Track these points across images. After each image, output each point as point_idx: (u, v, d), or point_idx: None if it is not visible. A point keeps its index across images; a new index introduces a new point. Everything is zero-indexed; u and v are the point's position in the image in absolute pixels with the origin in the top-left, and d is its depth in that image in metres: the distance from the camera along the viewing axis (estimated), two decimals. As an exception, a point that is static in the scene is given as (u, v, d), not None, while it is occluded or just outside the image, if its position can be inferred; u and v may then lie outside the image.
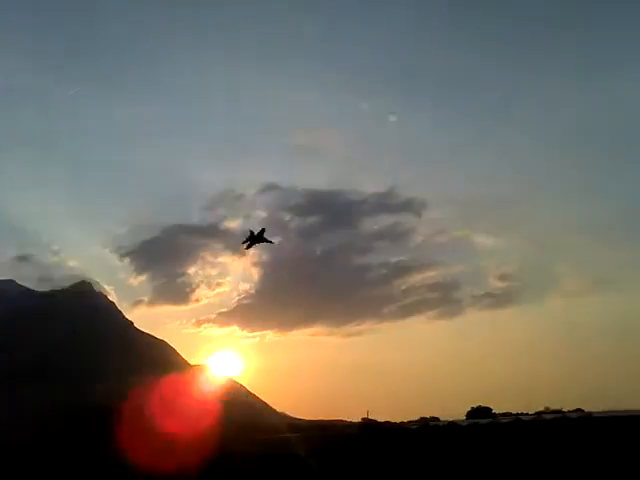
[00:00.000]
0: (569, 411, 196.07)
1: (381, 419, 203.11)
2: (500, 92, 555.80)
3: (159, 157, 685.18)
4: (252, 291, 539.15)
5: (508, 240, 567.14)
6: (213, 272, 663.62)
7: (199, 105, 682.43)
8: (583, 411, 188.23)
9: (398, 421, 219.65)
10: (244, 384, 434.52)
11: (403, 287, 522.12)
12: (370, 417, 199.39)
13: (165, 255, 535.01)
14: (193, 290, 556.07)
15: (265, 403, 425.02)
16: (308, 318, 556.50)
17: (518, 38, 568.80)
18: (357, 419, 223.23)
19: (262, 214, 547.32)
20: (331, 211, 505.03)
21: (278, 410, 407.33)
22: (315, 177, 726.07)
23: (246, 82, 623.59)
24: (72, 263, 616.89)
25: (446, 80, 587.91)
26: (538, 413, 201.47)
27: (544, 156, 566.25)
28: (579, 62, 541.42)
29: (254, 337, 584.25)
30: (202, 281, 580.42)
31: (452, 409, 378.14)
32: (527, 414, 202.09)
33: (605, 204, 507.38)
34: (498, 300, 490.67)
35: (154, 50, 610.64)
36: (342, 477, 33.68)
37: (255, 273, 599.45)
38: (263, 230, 63.57)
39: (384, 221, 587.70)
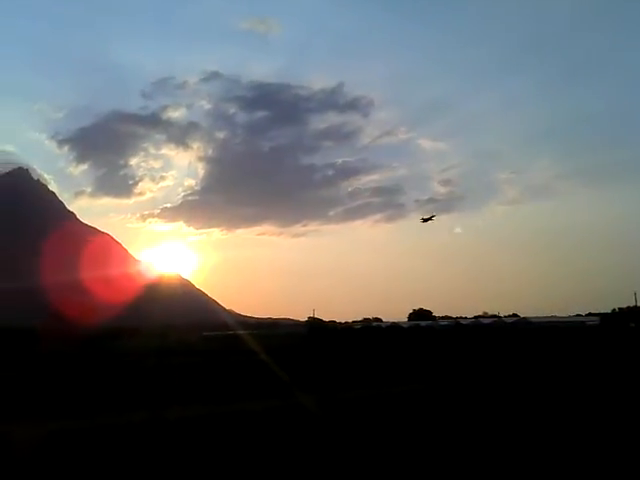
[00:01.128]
0: (505, 316, 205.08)
1: (326, 319, 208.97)
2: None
3: (93, 37, 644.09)
4: (198, 187, 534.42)
5: (452, 145, 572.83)
6: (156, 165, 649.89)
7: None
8: (518, 316, 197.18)
9: (343, 321, 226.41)
10: (192, 281, 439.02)
11: (349, 189, 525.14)
12: (316, 316, 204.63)
13: (105, 144, 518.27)
14: (136, 183, 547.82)
15: (214, 300, 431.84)
16: (255, 217, 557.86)
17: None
18: (303, 318, 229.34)
19: (206, 105, 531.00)
20: (278, 106, 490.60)
21: (226, 307, 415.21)
22: (261, 68, 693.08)
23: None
24: (7, 148, 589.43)
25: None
26: (476, 317, 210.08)
27: (495, 63, 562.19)
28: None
29: (200, 234, 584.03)
30: (145, 174, 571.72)
31: (394, 311, 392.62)
32: (466, 318, 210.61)
33: (547, 114, 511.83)
34: (441, 205, 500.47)
35: None
36: (294, 373, 34.42)
37: (201, 168, 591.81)
38: (433, 216, 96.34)
39: (331, 120, 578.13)
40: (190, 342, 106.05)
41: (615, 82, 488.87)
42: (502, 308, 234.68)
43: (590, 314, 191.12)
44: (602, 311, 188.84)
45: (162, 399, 24.08)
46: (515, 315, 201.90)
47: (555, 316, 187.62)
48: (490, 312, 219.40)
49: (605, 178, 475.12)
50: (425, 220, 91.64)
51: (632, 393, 23.26)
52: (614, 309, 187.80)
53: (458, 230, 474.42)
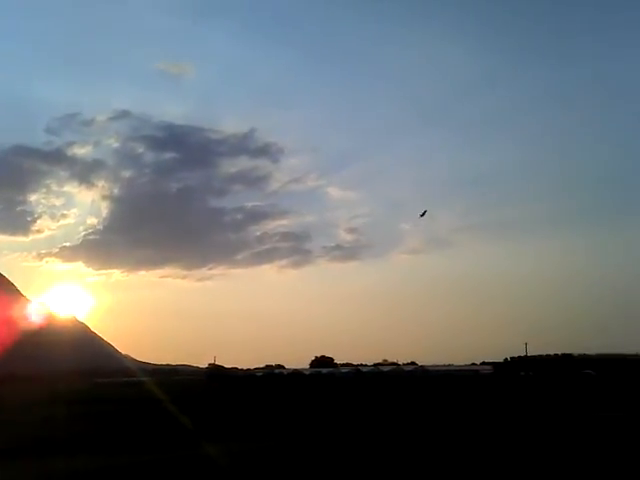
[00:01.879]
0: (404, 364, 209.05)
1: (228, 365, 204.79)
2: (361, 39, 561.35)
3: None
4: (100, 226, 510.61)
5: (360, 195, 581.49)
6: (57, 202, 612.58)
7: (47, 11, 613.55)
8: (416, 364, 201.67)
9: (245, 367, 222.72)
10: (87, 323, 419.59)
11: (257, 233, 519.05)
12: (217, 363, 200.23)
13: (4, 179, 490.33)
14: (35, 220, 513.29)
15: (110, 344, 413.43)
16: (159, 259, 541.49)
17: None
18: (203, 364, 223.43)
19: (114, 143, 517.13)
20: (188, 148, 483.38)
21: (123, 353, 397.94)
22: (173, 109, 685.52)
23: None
24: None
25: (317, 23, 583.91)
26: (376, 364, 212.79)
27: (403, 118, 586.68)
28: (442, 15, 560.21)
29: (100, 275, 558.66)
30: (45, 211, 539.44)
31: (297, 358, 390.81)
32: (366, 365, 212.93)
33: (449, 170, 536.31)
34: (347, 253, 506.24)
35: None
36: (196, 420, 33.25)
37: (104, 207, 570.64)
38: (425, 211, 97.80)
39: (242, 164, 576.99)
40: (79, 390, 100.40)
41: (510, 142, 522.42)
42: (401, 356, 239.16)
43: (484, 363, 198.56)
44: (495, 360, 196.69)
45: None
46: (413, 363, 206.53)
47: (451, 365, 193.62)
48: (390, 360, 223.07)
49: (499, 233, 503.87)
50: (422, 215, 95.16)
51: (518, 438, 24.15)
52: (506, 358, 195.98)
53: (361, 276, 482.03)
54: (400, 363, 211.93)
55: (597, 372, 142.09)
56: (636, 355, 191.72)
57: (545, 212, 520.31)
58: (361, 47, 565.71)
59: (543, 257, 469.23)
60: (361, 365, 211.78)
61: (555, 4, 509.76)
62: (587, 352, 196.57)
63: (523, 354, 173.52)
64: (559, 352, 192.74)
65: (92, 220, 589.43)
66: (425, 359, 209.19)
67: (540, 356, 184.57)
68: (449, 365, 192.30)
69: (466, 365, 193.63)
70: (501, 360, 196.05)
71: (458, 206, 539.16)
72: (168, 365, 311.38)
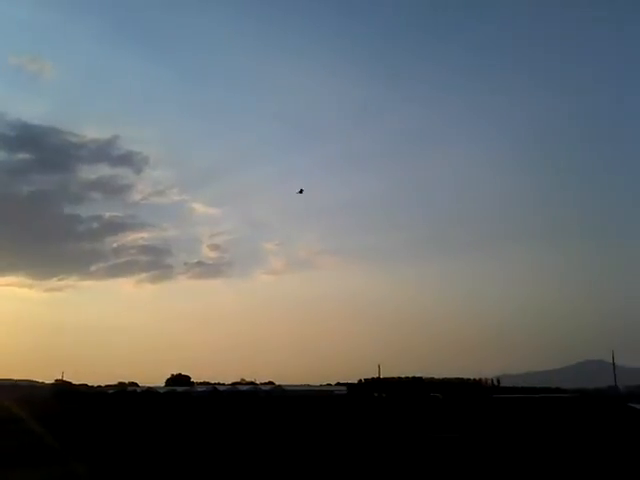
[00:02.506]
0: (262, 383, 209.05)
1: (77, 382, 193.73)
2: (232, 53, 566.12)
3: None
4: None
5: (224, 212, 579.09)
6: None
7: None
8: (274, 384, 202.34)
9: (96, 384, 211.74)
10: None
11: (114, 245, 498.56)
12: (65, 379, 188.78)
13: None
14: None
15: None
16: (4, 266, 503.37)
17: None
18: (50, 380, 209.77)
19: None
20: (44, 150, 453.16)
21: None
22: (29, 108, 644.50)
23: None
24: None
25: (190, 35, 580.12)
26: (234, 384, 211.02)
27: (270, 133, 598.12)
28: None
29: None
30: None
31: (152, 376, 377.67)
32: (224, 384, 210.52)
33: (314, 195, 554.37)
34: (209, 269, 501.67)
35: None
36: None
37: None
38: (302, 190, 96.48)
39: (102, 171, 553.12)
40: None
41: (371, 174, 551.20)
42: (259, 375, 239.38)
43: (338, 384, 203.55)
44: (349, 381, 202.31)
45: None
46: (271, 383, 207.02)
47: (308, 385, 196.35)
48: (247, 379, 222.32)
49: (357, 258, 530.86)
50: (300, 192, 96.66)
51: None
52: (360, 380, 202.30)
53: (222, 295, 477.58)
54: (258, 382, 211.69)
55: (443, 394, 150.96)
56: (475, 379, 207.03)
57: (402, 240, 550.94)
58: (233, 65, 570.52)
59: (398, 282, 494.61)
60: (218, 384, 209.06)
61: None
62: (435, 375, 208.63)
63: (376, 375, 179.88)
64: (410, 375, 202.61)
65: None
66: (283, 379, 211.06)
67: (392, 378, 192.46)
68: (306, 385, 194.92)
69: (322, 385, 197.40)
70: (355, 381, 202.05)
71: (319, 230, 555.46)
72: (9, 379, 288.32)
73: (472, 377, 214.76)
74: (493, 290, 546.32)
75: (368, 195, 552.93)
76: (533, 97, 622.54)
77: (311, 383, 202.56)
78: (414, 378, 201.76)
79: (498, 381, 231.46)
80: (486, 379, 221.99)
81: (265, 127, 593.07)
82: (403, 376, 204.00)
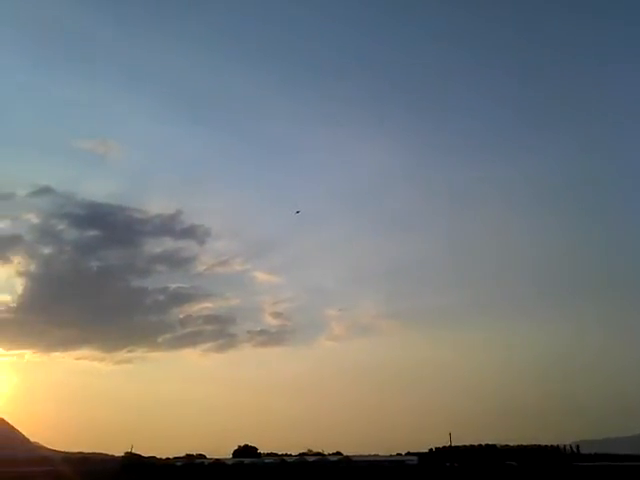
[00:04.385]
0: (329, 454, 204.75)
1: (146, 454, 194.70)
2: (289, 128, 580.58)
3: None
4: (14, 304, 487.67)
5: (285, 280, 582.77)
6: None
7: None
8: (342, 454, 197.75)
9: (164, 457, 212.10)
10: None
11: (180, 316, 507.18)
12: (134, 451, 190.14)
13: None
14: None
15: (18, 431, 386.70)
16: (75, 340, 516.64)
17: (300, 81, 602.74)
18: (119, 453, 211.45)
19: (34, 219, 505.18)
20: (111, 227, 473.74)
21: (32, 440, 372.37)
22: (97, 188, 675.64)
23: (30, 75, 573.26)
24: None
25: (237, 108, 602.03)
26: (301, 454, 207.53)
27: (325, 202, 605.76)
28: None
29: (10, 356, 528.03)
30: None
31: (219, 447, 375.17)
32: (291, 455, 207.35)
33: (370, 259, 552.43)
34: (272, 337, 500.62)
35: None
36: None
37: (19, 284, 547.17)
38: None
39: (166, 245, 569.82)
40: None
41: (431, 233, 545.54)
42: (326, 445, 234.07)
43: (409, 453, 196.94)
44: (420, 450, 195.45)
45: None
46: (339, 453, 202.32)
47: (377, 455, 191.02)
48: (314, 449, 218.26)
49: (421, 321, 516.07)
50: (297, 212, 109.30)
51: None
52: (431, 449, 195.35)
53: (287, 362, 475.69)
54: (325, 453, 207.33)
55: (518, 462, 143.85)
56: (553, 446, 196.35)
57: (468, 301, 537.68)
58: (284, 133, 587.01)
59: (465, 346, 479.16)
60: (285, 455, 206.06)
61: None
62: (509, 442, 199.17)
63: (447, 444, 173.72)
64: (482, 442, 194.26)
65: (5, 297, 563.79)
66: (350, 449, 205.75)
67: (464, 446, 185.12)
68: (375, 455, 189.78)
69: (391, 455, 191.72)
70: (426, 450, 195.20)
71: (380, 294, 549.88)
72: (80, 453, 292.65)
73: (549, 444, 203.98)
74: (568, 352, 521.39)
75: (430, 254, 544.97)
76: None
77: (380, 453, 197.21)
78: (487, 445, 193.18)
79: (577, 447, 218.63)
80: (564, 445, 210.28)
81: (321, 195, 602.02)
82: (476, 444, 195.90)
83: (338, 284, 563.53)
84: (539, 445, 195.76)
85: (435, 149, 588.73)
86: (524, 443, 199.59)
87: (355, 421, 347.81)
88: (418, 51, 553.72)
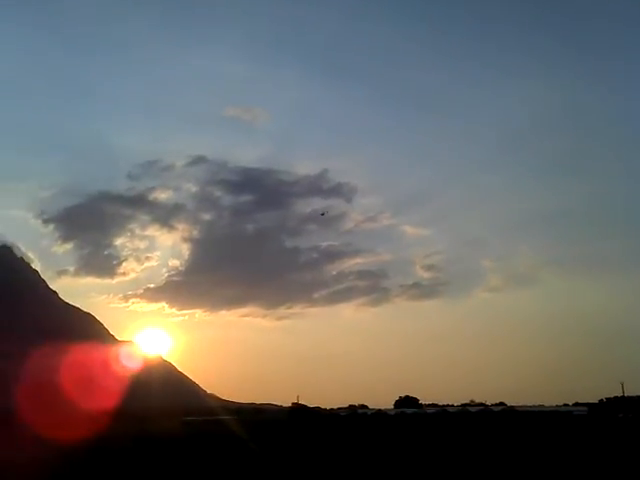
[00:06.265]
0: (492, 404, 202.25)
1: (311, 405, 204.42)
2: (434, 80, 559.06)
3: (80, 120, 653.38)
4: (182, 268, 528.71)
5: (435, 232, 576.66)
6: (141, 245, 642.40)
7: (127, 69, 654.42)
8: (506, 405, 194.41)
9: (328, 407, 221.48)
10: (173, 363, 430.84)
11: (333, 272, 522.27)
12: (300, 402, 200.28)
13: (91, 224, 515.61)
14: (120, 263, 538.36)
15: (196, 384, 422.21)
16: (239, 299, 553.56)
17: (457, 28, 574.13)
18: (287, 403, 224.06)
19: (192, 187, 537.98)
20: (263, 190, 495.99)
21: (208, 391, 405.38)
22: (247, 154, 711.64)
23: (178, 50, 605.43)
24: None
25: (384, 64, 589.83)
26: (463, 405, 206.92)
27: (474, 151, 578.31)
28: (513, 57, 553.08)
29: (183, 315, 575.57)
30: (130, 254, 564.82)
31: (380, 398, 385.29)
32: (453, 406, 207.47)
33: (528, 204, 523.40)
34: (425, 291, 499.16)
35: (76, 11, 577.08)
36: (282, 461, 33.60)
37: (185, 249, 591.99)
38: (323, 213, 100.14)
39: (315, 204, 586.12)
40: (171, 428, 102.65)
41: (595, 177, 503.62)
42: (489, 396, 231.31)
43: (577, 404, 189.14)
44: (589, 401, 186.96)
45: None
46: (502, 404, 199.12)
47: (542, 405, 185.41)
48: (477, 400, 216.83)
49: (585, 268, 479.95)
50: (322, 214, 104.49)
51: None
52: (601, 399, 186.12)
53: (442, 315, 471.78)
54: (488, 404, 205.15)
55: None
56: None
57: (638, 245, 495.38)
58: (432, 86, 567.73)
59: (637, 293, 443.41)
60: (447, 406, 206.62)
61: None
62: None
63: (620, 394, 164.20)
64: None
65: (174, 262, 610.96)
66: (514, 399, 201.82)
67: (638, 397, 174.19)
68: (540, 406, 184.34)
69: (558, 406, 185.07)
70: (596, 401, 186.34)
71: (539, 241, 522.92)
72: (252, 404, 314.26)
73: None
74: None
75: (596, 197, 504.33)
76: None
77: (546, 403, 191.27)
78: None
79: None
80: None
81: (472, 144, 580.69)
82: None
83: (493, 233, 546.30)
84: None
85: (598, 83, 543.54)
86: None
87: (518, 372, 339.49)
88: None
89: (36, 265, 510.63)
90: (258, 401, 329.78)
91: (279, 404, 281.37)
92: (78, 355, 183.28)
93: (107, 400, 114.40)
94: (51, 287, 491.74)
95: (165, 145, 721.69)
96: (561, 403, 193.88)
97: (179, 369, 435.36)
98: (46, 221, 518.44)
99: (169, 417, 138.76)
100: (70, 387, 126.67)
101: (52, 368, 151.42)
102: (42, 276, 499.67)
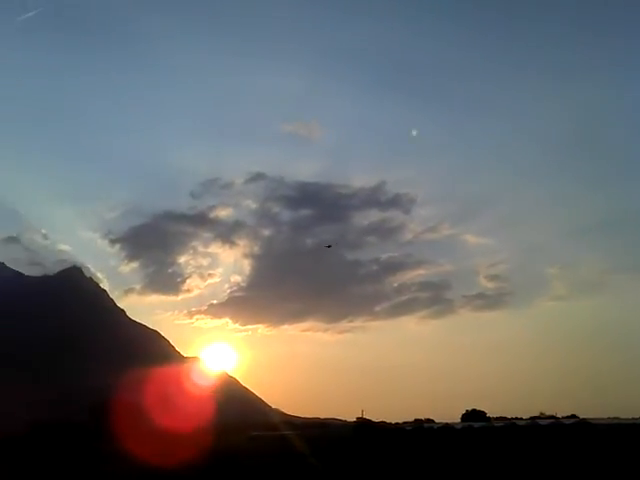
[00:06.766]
0: (563, 417, 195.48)
1: (376, 419, 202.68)
2: (492, 88, 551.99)
3: (145, 142, 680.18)
4: (244, 283, 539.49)
5: (498, 241, 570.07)
6: (204, 262, 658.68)
7: (187, 91, 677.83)
8: (578, 417, 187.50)
9: (393, 422, 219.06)
10: (238, 378, 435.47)
11: (395, 284, 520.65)
12: (364, 417, 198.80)
13: (155, 243, 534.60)
14: (184, 280, 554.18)
15: (260, 399, 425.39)
16: (300, 313, 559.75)
17: (512, 34, 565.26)
18: (351, 418, 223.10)
19: (252, 204, 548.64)
20: (321, 204, 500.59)
21: (272, 406, 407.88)
22: (304, 168, 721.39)
23: (236, 68, 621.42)
24: (62, 247, 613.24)
25: (437, 74, 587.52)
26: (533, 418, 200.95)
27: (535, 157, 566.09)
28: (574, 58, 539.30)
29: (246, 330, 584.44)
30: (193, 271, 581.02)
31: (446, 411, 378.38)
32: (522, 419, 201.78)
33: (594, 209, 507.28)
34: (489, 301, 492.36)
35: (139, 32, 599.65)
36: (344, 476, 33.33)
37: (246, 265, 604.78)
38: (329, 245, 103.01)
39: (373, 216, 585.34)
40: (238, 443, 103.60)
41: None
42: (560, 408, 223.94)
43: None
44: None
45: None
46: (574, 416, 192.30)
47: (618, 418, 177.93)
48: (547, 412, 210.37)
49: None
50: (328, 246, 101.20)
51: None
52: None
53: (507, 325, 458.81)
54: (559, 416, 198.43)
55: None
56: None
57: None
58: (491, 95, 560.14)
59: None
60: (516, 419, 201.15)
61: None
62: None
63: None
64: None
65: (236, 278, 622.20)
66: (587, 412, 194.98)
67: None
68: (615, 418, 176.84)
69: (635, 418, 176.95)
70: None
71: (605, 247, 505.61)
72: (317, 418, 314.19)
73: None
74: None
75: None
76: None
77: (621, 416, 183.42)
78: None
79: None
80: None
81: (526, 151, 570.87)
82: None
83: (557, 240, 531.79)
84: None
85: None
86: None
87: (590, 382, 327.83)
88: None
89: (104, 285, 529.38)
90: (322, 416, 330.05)
91: (343, 419, 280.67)
92: (154, 374, 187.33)
93: (184, 419, 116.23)
94: (119, 305, 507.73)
95: (224, 163, 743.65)
96: (638, 415, 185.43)
97: (243, 384, 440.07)
98: (113, 241, 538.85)
99: (236, 433, 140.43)
100: (151, 407, 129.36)
101: (133, 388, 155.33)
102: (110, 295, 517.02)
